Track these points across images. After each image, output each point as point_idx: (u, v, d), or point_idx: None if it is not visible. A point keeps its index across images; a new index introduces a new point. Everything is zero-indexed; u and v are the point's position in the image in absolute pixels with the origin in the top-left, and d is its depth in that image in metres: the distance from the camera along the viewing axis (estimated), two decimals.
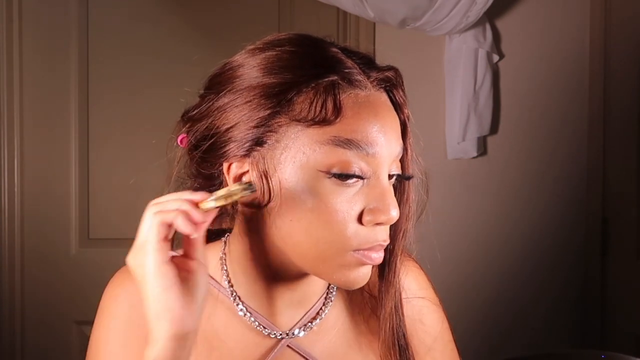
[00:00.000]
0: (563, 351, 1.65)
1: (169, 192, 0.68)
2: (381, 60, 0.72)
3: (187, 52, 1.89)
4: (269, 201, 0.67)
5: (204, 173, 0.73)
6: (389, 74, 0.71)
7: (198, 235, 0.64)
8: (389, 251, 0.73)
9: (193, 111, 0.73)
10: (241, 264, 0.74)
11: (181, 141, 0.75)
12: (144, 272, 0.62)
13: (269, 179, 0.67)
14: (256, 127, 0.66)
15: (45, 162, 1.98)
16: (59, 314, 1.98)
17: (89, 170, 1.99)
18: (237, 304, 0.74)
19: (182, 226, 0.62)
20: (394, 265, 0.75)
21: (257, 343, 0.74)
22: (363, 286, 0.71)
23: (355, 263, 0.68)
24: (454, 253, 1.96)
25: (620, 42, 1.91)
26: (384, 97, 0.70)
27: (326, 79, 0.66)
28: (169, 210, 0.62)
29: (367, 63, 0.70)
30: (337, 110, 0.66)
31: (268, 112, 0.66)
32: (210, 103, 0.70)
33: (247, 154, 0.68)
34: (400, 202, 0.71)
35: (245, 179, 0.69)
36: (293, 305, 0.75)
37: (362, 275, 0.69)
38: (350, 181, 0.66)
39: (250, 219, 0.71)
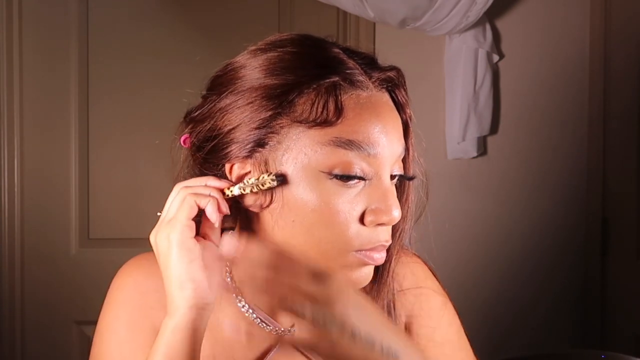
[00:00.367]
0: (563, 351, 1.65)
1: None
2: (381, 60, 0.72)
3: (187, 52, 1.90)
4: (271, 202, 0.68)
5: (207, 174, 0.73)
6: (391, 74, 0.71)
7: (218, 222, 0.68)
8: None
9: (195, 112, 0.73)
10: (244, 261, 0.74)
11: (184, 142, 0.75)
12: (170, 246, 0.65)
13: None
14: (258, 128, 0.67)
15: (45, 162, 1.98)
16: (59, 314, 1.98)
17: (89, 170, 1.99)
18: (240, 301, 0.74)
19: (210, 212, 0.66)
20: (388, 265, 0.75)
21: (258, 339, 0.75)
22: None
23: (357, 263, 0.68)
24: (453, 253, 1.96)
25: (620, 42, 1.91)
26: (385, 97, 0.70)
27: (327, 80, 0.66)
28: (203, 194, 0.66)
29: (369, 63, 0.70)
30: (339, 111, 0.66)
31: (270, 113, 0.66)
32: (213, 104, 0.71)
33: (249, 155, 0.68)
34: (399, 203, 0.71)
35: (247, 180, 0.69)
36: None
37: (364, 275, 0.69)
38: (351, 182, 0.66)
39: (252, 219, 0.71)
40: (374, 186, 0.67)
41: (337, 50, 0.69)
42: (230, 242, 0.76)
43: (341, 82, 0.67)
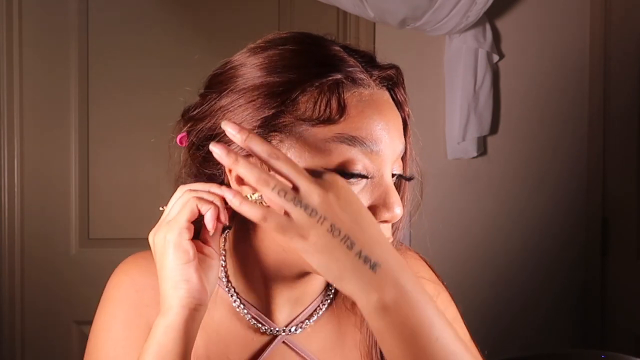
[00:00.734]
0: (563, 351, 1.65)
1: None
2: (381, 60, 0.72)
3: (187, 52, 1.90)
4: None
5: (206, 173, 0.72)
6: (391, 72, 0.71)
7: (214, 232, 0.67)
8: None
9: (194, 110, 0.73)
10: (241, 261, 0.74)
11: (180, 140, 0.74)
12: (167, 246, 0.65)
13: None
14: (260, 126, 0.66)
15: (45, 162, 1.98)
16: (59, 314, 1.98)
17: (89, 170, 1.99)
18: (235, 300, 0.74)
19: (209, 219, 0.66)
20: None
21: (253, 338, 0.75)
22: None
23: None
24: (453, 252, 1.96)
25: (620, 42, 1.91)
26: (386, 95, 0.70)
27: (330, 78, 0.66)
28: (206, 200, 0.66)
29: (369, 61, 0.70)
30: (342, 109, 0.66)
31: (272, 111, 0.66)
32: (212, 102, 0.70)
33: (251, 154, 0.68)
34: None
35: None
36: (291, 302, 0.76)
37: None
38: (354, 179, 0.66)
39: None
40: (376, 184, 0.67)
41: (337, 48, 0.69)
42: (228, 242, 0.76)
43: (343, 80, 0.67)
